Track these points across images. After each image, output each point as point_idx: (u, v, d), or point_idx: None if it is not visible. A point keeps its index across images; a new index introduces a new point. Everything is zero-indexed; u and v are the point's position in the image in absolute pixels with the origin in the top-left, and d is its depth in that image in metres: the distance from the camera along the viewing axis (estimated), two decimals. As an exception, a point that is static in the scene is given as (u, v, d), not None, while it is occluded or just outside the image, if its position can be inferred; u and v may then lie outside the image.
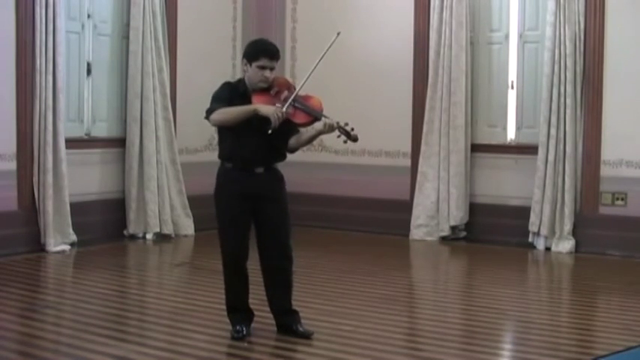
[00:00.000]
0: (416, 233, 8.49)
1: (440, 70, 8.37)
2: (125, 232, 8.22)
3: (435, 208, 8.43)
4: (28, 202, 7.36)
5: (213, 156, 8.98)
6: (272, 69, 4.79)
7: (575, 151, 7.84)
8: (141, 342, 4.81)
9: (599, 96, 7.80)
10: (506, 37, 8.41)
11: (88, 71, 8.09)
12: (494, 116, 8.49)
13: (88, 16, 8.03)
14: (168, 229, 8.29)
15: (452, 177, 8.31)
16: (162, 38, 8.31)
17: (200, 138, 8.91)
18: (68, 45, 7.76)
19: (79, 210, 7.65)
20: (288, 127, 4.77)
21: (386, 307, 5.72)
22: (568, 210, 7.82)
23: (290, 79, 4.96)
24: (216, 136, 8.95)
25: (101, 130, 8.21)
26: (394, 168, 8.80)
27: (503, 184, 8.35)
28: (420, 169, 8.51)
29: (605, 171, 7.81)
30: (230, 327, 4.92)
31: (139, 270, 7.23)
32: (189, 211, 8.53)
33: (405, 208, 8.57)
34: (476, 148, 8.43)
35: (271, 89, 4.80)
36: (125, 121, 8.23)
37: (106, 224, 8.13)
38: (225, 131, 4.83)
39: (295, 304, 4.99)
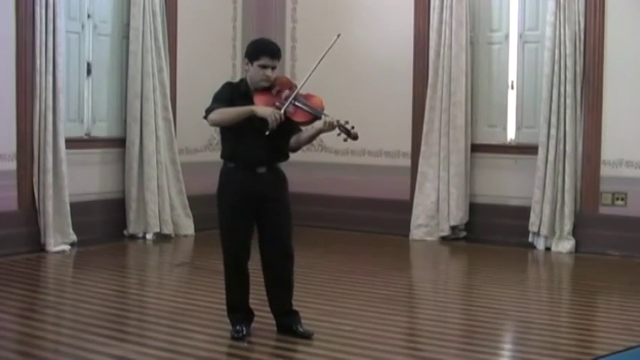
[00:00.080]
0: (416, 233, 8.49)
1: (440, 70, 8.37)
2: (125, 232, 8.22)
3: (435, 208, 8.43)
4: (28, 202, 7.36)
5: (213, 156, 9.08)
6: (273, 68, 4.79)
7: (575, 151, 7.85)
8: (141, 342, 4.81)
9: (599, 96, 7.80)
10: (506, 37, 8.41)
11: (88, 71, 8.09)
12: (494, 116, 8.49)
13: (88, 16, 8.03)
14: (168, 229, 8.29)
15: (452, 177, 8.31)
16: (162, 38, 8.31)
17: (200, 138, 8.91)
18: (68, 45, 7.76)
19: (79, 210, 7.65)
20: (289, 126, 4.77)
21: (386, 307, 5.72)
22: (568, 210, 7.82)
23: (292, 79, 4.95)
24: (216, 136, 9.02)
25: (101, 130, 8.21)
26: (394, 168, 8.80)
27: (503, 184, 8.35)
28: (420, 169, 8.51)
29: (605, 171, 7.81)
30: (230, 327, 4.92)
31: (139, 270, 7.23)
32: (189, 211, 8.53)
33: (405, 208, 8.57)
34: (476, 148, 8.43)
35: (273, 88, 4.81)
36: (125, 121, 8.23)
37: (106, 224, 8.13)
38: (227, 131, 4.83)
39: (295, 304, 4.99)
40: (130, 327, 5.17)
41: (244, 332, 4.85)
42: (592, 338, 5.17)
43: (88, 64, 8.08)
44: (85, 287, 6.27)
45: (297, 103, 4.73)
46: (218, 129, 5.07)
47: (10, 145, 7.26)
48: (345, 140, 4.69)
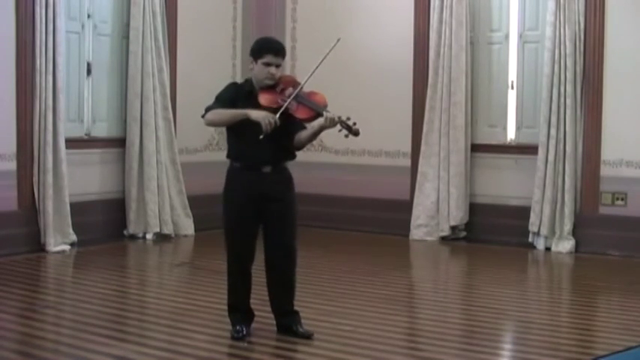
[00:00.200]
0: (416, 233, 8.49)
1: (440, 70, 8.37)
2: (125, 232, 8.22)
3: (435, 208, 8.43)
4: (28, 202, 7.36)
5: (213, 156, 9.11)
6: (278, 66, 4.80)
7: (575, 151, 7.85)
8: (141, 342, 4.81)
9: (599, 96, 7.80)
10: (506, 37, 8.41)
11: (88, 71, 8.08)
12: (494, 116, 8.49)
13: (88, 16, 8.03)
14: (168, 229, 8.29)
15: (452, 177, 8.31)
16: (163, 38, 8.31)
17: (200, 138, 8.91)
18: (68, 45, 7.76)
19: (79, 210, 7.65)
20: (292, 124, 4.77)
21: (386, 307, 5.72)
22: (568, 210, 7.82)
23: (296, 78, 4.95)
24: (216, 136, 9.04)
25: (101, 130, 8.21)
26: (394, 168, 8.80)
27: (503, 184, 8.35)
28: (420, 169, 8.51)
29: (605, 171, 7.81)
30: (230, 327, 4.92)
31: (139, 270, 7.23)
32: (189, 211, 8.53)
33: (405, 208, 8.57)
34: (476, 148, 8.43)
35: (277, 86, 4.81)
36: (125, 121, 8.23)
37: (106, 224, 8.12)
38: (233, 130, 4.82)
39: (295, 304, 4.99)
40: (130, 327, 5.17)
41: (244, 332, 4.85)
42: (592, 338, 5.17)
43: (88, 64, 8.08)
44: (85, 287, 6.27)
45: (299, 100, 4.73)
46: (224, 129, 5.06)
47: (10, 145, 7.26)
48: (347, 136, 4.69)
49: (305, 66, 8.56)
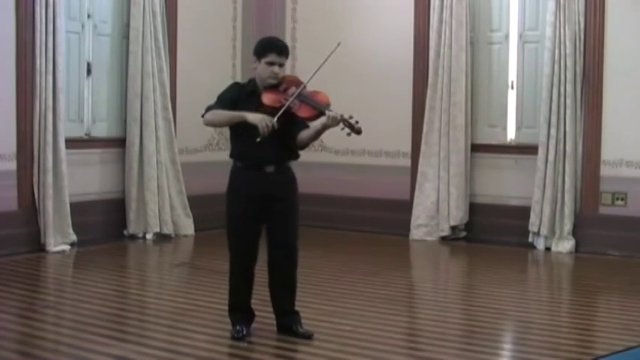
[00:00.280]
0: (416, 233, 8.49)
1: (440, 70, 8.37)
2: (125, 232, 8.22)
3: (435, 208, 8.43)
4: (28, 202, 7.36)
5: (213, 156, 9.11)
6: (281, 65, 4.80)
7: (575, 151, 7.85)
8: (141, 342, 4.81)
9: (599, 96, 7.80)
10: (506, 37, 8.41)
11: (88, 71, 8.08)
12: (494, 116, 8.49)
13: (88, 16, 8.03)
14: (168, 229, 8.29)
15: (452, 177, 8.31)
16: (163, 38, 8.31)
17: (200, 138, 8.91)
18: (68, 45, 7.76)
19: (79, 210, 7.65)
20: (294, 123, 4.77)
21: (386, 307, 5.72)
22: (568, 210, 7.82)
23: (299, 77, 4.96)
24: (216, 136, 9.04)
25: (101, 130, 8.21)
26: (394, 168, 8.80)
27: (503, 184, 8.35)
28: (420, 169, 8.51)
29: (605, 171, 7.81)
30: (230, 327, 4.92)
31: (139, 270, 7.23)
32: (189, 211, 8.52)
33: (405, 208, 8.57)
34: (476, 148, 8.43)
35: (280, 86, 4.81)
36: (125, 121, 8.23)
37: (106, 224, 8.12)
38: (236, 130, 4.82)
39: (296, 305, 4.98)
40: (130, 327, 5.17)
41: (244, 332, 4.85)
42: (592, 338, 5.17)
43: (88, 64, 8.08)
44: (85, 287, 6.27)
45: (302, 99, 4.73)
46: (225, 129, 5.06)
47: (10, 145, 7.26)
48: (349, 135, 4.68)
49: (305, 66, 8.56)
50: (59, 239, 7.44)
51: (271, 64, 4.77)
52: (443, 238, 8.39)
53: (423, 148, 8.47)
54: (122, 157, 8.21)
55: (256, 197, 4.78)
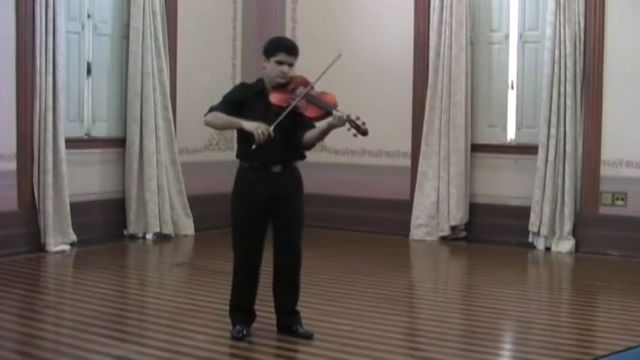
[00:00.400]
0: (416, 233, 8.49)
1: (440, 70, 8.37)
2: (125, 232, 8.21)
3: (435, 208, 8.43)
4: (28, 202, 7.36)
5: (213, 156, 9.11)
6: (290, 65, 4.80)
7: (575, 151, 7.85)
8: (141, 342, 4.80)
9: (599, 96, 7.80)
10: (506, 37, 8.41)
11: (88, 71, 8.08)
12: (494, 116, 8.49)
13: (88, 16, 8.03)
14: (168, 229, 8.29)
15: (452, 177, 8.31)
16: (162, 38, 8.31)
17: (200, 138, 8.91)
18: (68, 45, 7.76)
19: (79, 210, 7.65)
20: (301, 123, 4.77)
21: (386, 307, 5.72)
22: (568, 210, 7.82)
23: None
24: (216, 136, 9.04)
25: (101, 130, 8.21)
26: (394, 168, 8.80)
27: (503, 184, 8.35)
28: (420, 169, 8.51)
29: (605, 171, 7.81)
30: (230, 327, 4.91)
31: (139, 270, 7.23)
32: (189, 211, 8.52)
33: (405, 208, 8.57)
34: (476, 148, 8.43)
35: (289, 86, 4.81)
36: (125, 121, 8.23)
37: (106, 224, 8.12)
38: (242, 130, 4.81)
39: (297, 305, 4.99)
40: (130, 327, 5.17)
41: (244, 332, 4.84)
42: (592, 338, 5.17)
43: (88, 64, 8.08)
44: (85, 287, 6.27)
45: (309, 99, 4.73)
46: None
47: (10, 145, 7.25)
48: (355, 136, 4.67)
49: (305, 66, 8.52)
50: (59, 239, 7.44)
51: (280, 63, 4.78)
52: (443, 238, 8.39)
53: (423, 148, 8.47)
54: (122, 157, 8.21)
55: (263, 197, 4.78)
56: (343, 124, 4.65)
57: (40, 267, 7.02)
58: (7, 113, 7.22)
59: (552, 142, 7.84)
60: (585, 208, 7.90)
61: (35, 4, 7.22)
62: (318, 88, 4.85)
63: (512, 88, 8.40)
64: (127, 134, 8.17)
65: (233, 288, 4.93)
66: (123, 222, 8.20)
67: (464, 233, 8.47)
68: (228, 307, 4.97)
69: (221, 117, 4.75)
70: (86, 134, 8.11)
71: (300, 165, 5.03)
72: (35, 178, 7.36)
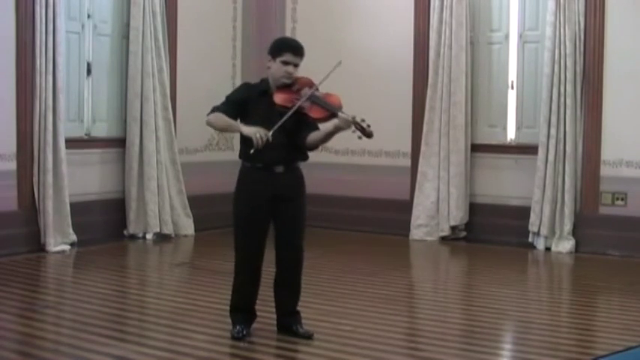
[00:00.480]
0: (416, 233, 8.49)
1: (440, 70, 8.37)
2: (125, 232, 8.21)
3: (435, 208, 8.43)
4: (28, 202, 7.36)
5: (213, 156, 9.11)
6: (296, 65, 4.81)
7: (575, 151, 7.85)
8: (141, 342, 4.80)
9: (599, 96, 7.80)
10: (506, 37, 8.41)
11: (88, 71, 8.08)
12: (494, 116, 8.49)
13: (88, 16, 8.03)
14: (168, 229, 8.29)
15: (452, 177, 8.31)
16: (162, 38, 8.31)
17: (200, 138, 8.91)
18: (68, 45, 7.76)
19: (79, 210, 7.65)
20: (305, 124, 4.77)
21: (386, 307, 5.72)
22: (568, 210, 7.82)
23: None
24: (216, 136, 9.03)
25: (101, 130, 8.21)
26: (394, 168, 8.80)
27: (503, 184, 8.35)
28: (420, 169, 8.51)
29: (605, 171, 7.81)
30: (230, 327, 4.91)
31: (139, 270, 7.23)
32: (189, 211, 8.52)
33: (405, 208, 8.57)
34: (476, 148, 8.43)
35: (293, 86, 4.81)
36: (125, 121, 8.23)
37: (106, 224, 8.12)
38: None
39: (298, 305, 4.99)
40: (130, 327, 5.17)
41: (244, 332, 4.85)
42: (592, 338, 5.18)
43: (88, 64, 8.08)
44: (85, 287, 6.27)
45: (314, 100, 4.73)
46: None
47: (10, 145, 7.26)
48: (360, 138, 4.67)
49: (304, 66, 8.53)
50: (59, 239, 7.44)
51: (286, 63, 4.78)
52: (443, 238, 8.39)
53: (423, 148, 8.47)
54: (122, 157, 8.21)
55: (265, 197, 4.78)
56: (349, 127, 4.64)
57: (40, 267, 7.02)
58: (7, 113, 7.22)
59: (552, 142, 7.84)
60: (585, 208, 7.90)
61: (35, 4, 7.23)
62: (321, 89, 4.85)
63: (512, 88, 8.40)
64: (127, 134, 8.17)
65: (234, 288, 4.93)
66: (123, 222, 8.20)
67: (464, 233, 8.47)
68: (228, 307, 4.97)
69: (222, 119, 4.75)
70: (86, 134, 8.11)
71: (300, 165, 5.02)
72: (35, 178, 7.36)
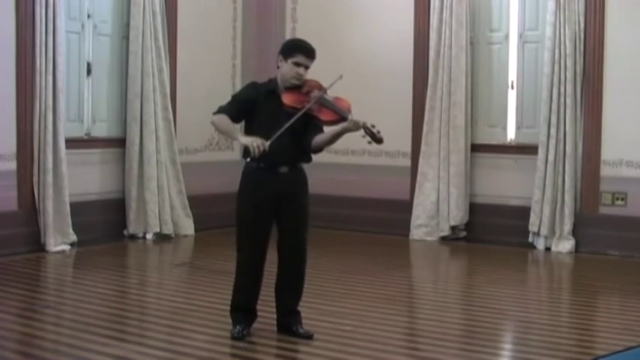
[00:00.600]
0: (416, 233, 8.49)
1: (440, 70, 8.37)
2: (125, 232, 8.21)
3: (435, 208, 8.43)
4: (28, 202, 7.36)
5: (213, 156, 9.11)
6: (307, 67, 4.81)
7: (575, 151, 7.85)
8: (141, 342, 4.81)
9: (599, 96, 7.80)
10: (506, 37, 8.41)
11: (88, 71, 8.08)
12: (494, 116, 8.49)
13: (88, 16, 8.03)
14: (168, 229, 8.28)
15: (452, 177, 8.31)
16: (162, 38, 8.30)
17: (200, 138, 8.91)
18: (68, 45, 7.76)
19: (79, 210, 7.65)
20: (312, 126, 4.77)
21: (386, 307, 5.72)
22: (568, 210, 7.82)
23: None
24: (216, 136, 9.03)
25: (101, 130, 8.21)
26: (394, 168, 8.80)
27: (503, 184, 8.35)
28: (420, 169, 8.51)
29: (605, 171, 7.81)
30: (230, 326, 4.91)
31: (139, 270, 7.23)
32: (189, 211, 8.52)
33: (405, 208, 8.56)
34: (476, 148, 8.43)
35: (303, 88, 4.81)
36: (125, 121, 8.23)
37: (106, 224, 8.12)
38: (249, 131, 4.80)
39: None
40: (130, 327, 5.17)
41: (244, 332, 4.84)
42: (592, 338, 5.18)
43: (88, 64, 8.08)
44: (85, 287, 6.27)
45: (323, 103, 4.74)
46: (243, 126, 5.02)
47: (10, 145, 7.26)
48: (370, 143, 4.68)
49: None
50: (59, 239, 7.44)
51: (298, 64, 4.78)
52: (443, 238, 8.39)
53: (423, 148, 8.47)
54: (122, 157, 8.21)
55: (268, 197, 4.78)
56: (358, 129, 4.65)
57: (40, 267, 7.02)
58: (7, 113, 7.22)
59: (552, 142, 7.84)
60: (585, 208, 7.90)
61: (35, 4, 7.22)
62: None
63: (512, 88, 8.40)
64: (127, 134, 8.17)
65: (235, 287, 4.93)
66: (123, 222, 8.20)
67: (464, 233, 8.47)
68: (229, 307, 4.97)
69: (224, 123, 4.75)
70: (86, 134, 8.11)
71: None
72: (35, 178, 7.36)
